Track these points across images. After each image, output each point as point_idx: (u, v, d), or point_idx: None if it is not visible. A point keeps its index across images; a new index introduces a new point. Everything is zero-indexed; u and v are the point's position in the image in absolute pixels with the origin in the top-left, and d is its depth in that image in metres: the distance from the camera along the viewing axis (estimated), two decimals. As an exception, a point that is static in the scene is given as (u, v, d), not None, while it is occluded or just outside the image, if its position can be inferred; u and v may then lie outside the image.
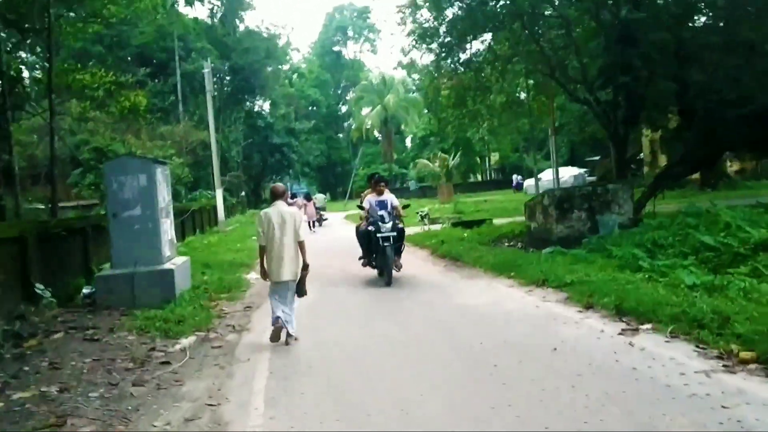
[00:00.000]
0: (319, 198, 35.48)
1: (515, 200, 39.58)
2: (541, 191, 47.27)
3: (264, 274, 8.14)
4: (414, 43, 22.26)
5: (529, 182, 49.78)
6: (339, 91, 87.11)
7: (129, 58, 33.98)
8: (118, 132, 29.68)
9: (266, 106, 72.45)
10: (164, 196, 11.71)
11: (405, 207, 14.20)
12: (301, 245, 8.00)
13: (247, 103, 56.97)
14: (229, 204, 42.82)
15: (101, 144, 26.77)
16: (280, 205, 8.10)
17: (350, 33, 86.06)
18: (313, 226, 32.03)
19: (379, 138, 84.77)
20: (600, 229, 14.82)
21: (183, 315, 9.59)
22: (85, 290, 11.31)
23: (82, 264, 12.94)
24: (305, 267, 8.10)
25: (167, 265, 11.12)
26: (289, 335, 7.91)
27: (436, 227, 23.69)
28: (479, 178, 77.39)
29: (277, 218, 7.93)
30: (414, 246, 19.20)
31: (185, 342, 8.32)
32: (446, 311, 9.33)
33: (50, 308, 10.36)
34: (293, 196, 36.20)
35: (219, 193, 31.44)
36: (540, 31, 19.86)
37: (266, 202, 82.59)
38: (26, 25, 18.73)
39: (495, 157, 76.41)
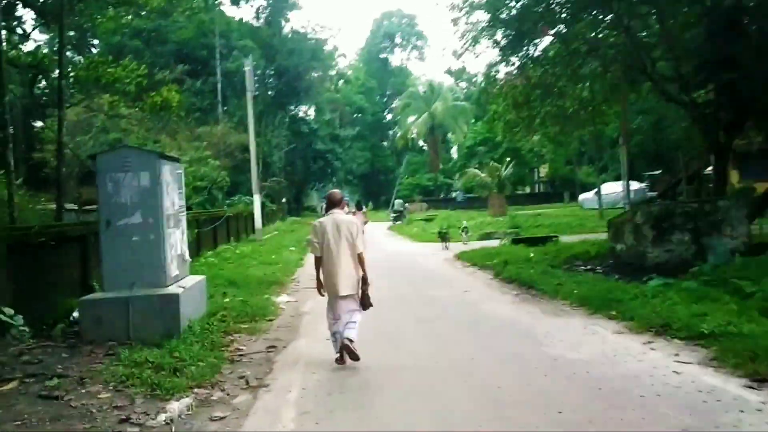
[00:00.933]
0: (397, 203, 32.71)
1: (573, 215, 36.53)
2: (593, 205, 44.24)
3: (320, 288, 7.48)
4: (470, 42, 19.95)
5: (584, 196, 46.56)
6: (385, 99, 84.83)
7: (168, 55, 32.13)
8: (153, 131, 27.74)
9: (311, 111, 70.75)
10: (174, 200, 9.28)
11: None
12: (360, 257, 7.35)
13: (291, 108, 54.97)
14: (269, 210, 40.73)
15: (133, 143, 24.78)
16: (336, 214, 7.44)
17: (398, 40, 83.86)
18: None
19: (424, 147, 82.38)
20: (708, 255, 11.97)
21: (184, 358, 7.14)
22: (75, 314, 8.97)
23: (80, 280, 10.63)
24: (365, 281, 7.39)
25: (172, 288, 8.68)
26: (349, 342, 7.10)
27: (491, 243, 20.99)
28: (527, 190, 74.03)
29: (332, 228, 7.29)
30: (471, 266, 16.55)
31: (175, 407, 5.80)
32: (541, 372, 6.59)
33: (21, 340, 8.03)
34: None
35: (257, 199, 29.22)
36: (627, 22, 17.00)
37: (309, 210, 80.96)
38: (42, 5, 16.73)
39: (544, 169, 73.13)
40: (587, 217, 32.79)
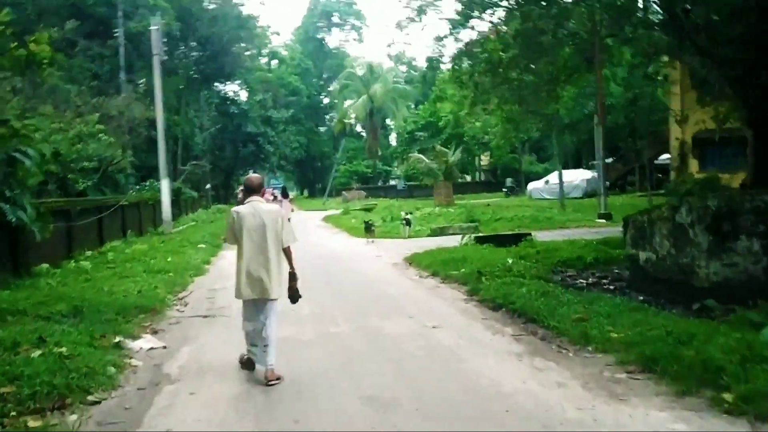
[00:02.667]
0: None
1: (525, 205, 32.80)
2: (543, 195, 40.75)
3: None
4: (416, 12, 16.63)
5: (534, 185, 43.09)
6: (321, 82, 79.70)
7: (56, 9, 26.37)
8: (38, 102, 22.31)
9: (243, 93, 65.15)
10: None
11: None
12: (286, 252, 6.20)
13: (218, 86, 49.44)
14: (188, 198, 35.54)
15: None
16: (256, 202, 6.14)
17: (335, 19, 78.65)
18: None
19: (362, 133, 77.77)
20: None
21: None
22: None
23: None
24: (293, 278, 6.31)
25: None
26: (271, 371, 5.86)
27: (447, 241, 16.80)
28: (467, 178, 70.17)
29: (252, 219, 5.99)
30: (431, 276, 12.22)
31: None
32: None
33: None
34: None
35: (165, 185, 24.17)
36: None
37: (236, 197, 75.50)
38: None
39: (485, 157, 69.79)
40: (543, 207, 29.02)
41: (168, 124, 36.54)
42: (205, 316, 8.98)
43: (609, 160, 46.84)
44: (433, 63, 37.10)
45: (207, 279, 12.99)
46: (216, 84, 50.89)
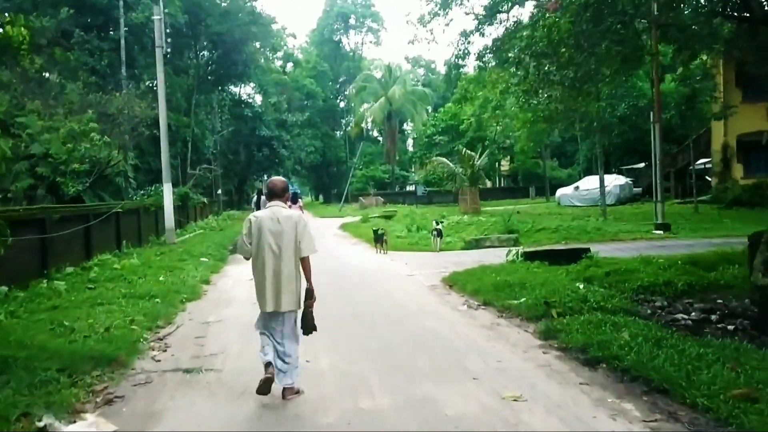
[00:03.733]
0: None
1: (556, 213, 30.12)
2: (573, 201, 38.03)
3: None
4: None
5: (563, 191, 40.35)
6: (337, 85, 77.36)
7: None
8: (28, 97, 20.06)
9: (258, 97, 62.96)
10: None
11: None
12: (304, 263, 5.59)
13: (230, 87, 47.20)
14: (197, 204, 33.19)
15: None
16: (277, 207, 5.60)
17: (352, 21, 76.27)
18: None
19: (379, 138, 75.27)
20: None
21: None
22: None
23: None
24: (309, 295, 5.64)
25: None
26: (287, 389, 5.44)
27: (485, 255, 14.27)
28: (488, 184, 67.18)
29: (272, 225, 5.49)
30: (481, 306, 9.64)
31: None
32: None
33: None
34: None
35: (168, 190, 21.76)
36: None
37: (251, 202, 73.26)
38: None
39: (506, 163, 67.13)
40: (579, 215, 26.34)
41: (176, 126, 34.35)
42: (187, 371, 6.47)
43: (641, 165, 44.17)
44: (458, 60, 34.13)
45: (202, 305, 10.50)
46: (229, 86, 48.62)
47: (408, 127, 75.01)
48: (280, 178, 6.06)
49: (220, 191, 44.19)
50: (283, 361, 5.46)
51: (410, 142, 79.38)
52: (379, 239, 17.14)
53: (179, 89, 35.41)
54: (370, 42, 79.29)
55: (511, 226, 18.79)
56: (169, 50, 35.86)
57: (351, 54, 78.00)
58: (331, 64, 74.06)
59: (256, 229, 5.50)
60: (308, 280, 5.65)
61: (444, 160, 35.42)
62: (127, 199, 24.16)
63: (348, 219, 35.85)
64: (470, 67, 34.76)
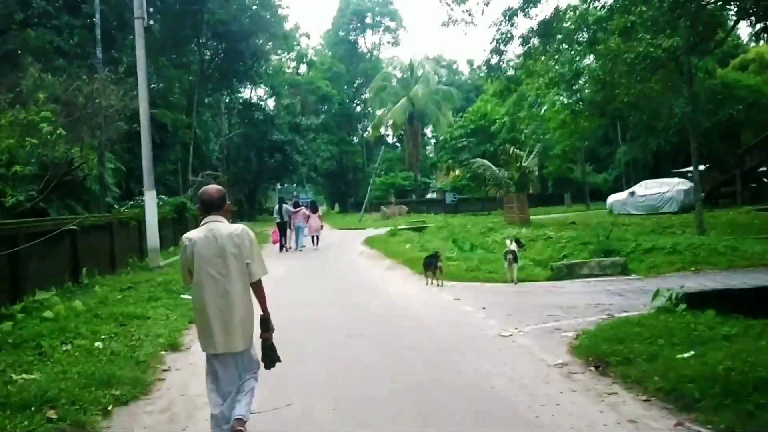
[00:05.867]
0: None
1: (623, 224, 24.99)
2: (627, 209, 32.81)
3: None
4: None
5: (615, 198, 35.07)
6: (353, 88, 72.37)
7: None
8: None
9: (270, 102, 58.25)
10: None
11: None
12: (256, 288, 4.52)
13: (238, 86, 42.48)
14: (193, 214, 28.33)
15: None
16: (214, 223, 4.43)
17: (368, 20, 71.30)
18: (316, 243, 23.54)
19: (398, 143, 70.23)
20: None
21: None
22: None
23: None
24: (265, 325, 4.52)
25: None
26: (238, 419, 4.35)
27: (587, 286, 9.32)
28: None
29: (209, 247, 4.35)
30: (670, 414, 4.44)
31: None
32: None
33: None
34: (296, 204, 24.28)
35: (150, 199, 16.93)
36: None
37: (267, 212, 68.66)
38: None
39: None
40: (659, 226, 21.14)
41: (174, 126, 29.62)
42: None
43: (701, 168, 38.85)
44: (501, 45, 29.48)
45: (157, 401, 5.62)
46: (237, 85, 43.84)
47: (428, 131, 70.02)
48: (215, 186, 4.77)
49: (229, 202, 39.39)
50: (238, 398, 4.43)
51: (429, 147, 74.29)
52: (431, 264, 12.15)
53: (178, 84, 30.66)
54: (388, 42, 74.14)
55: (607, 244, 13.68)
56: (166, 41, 31.18)
57: (367, 55, 73.03)
58: (347, 66, 69.16)
59: (190, 252, 4.35)
60: (263, 307, 4.53)
61: (485, 161, 30.26)
62: (107, 211, 19.40)
63: (371, 231, 30.82)
64: (512, 53, 29.80)
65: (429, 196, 65.60)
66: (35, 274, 11.28)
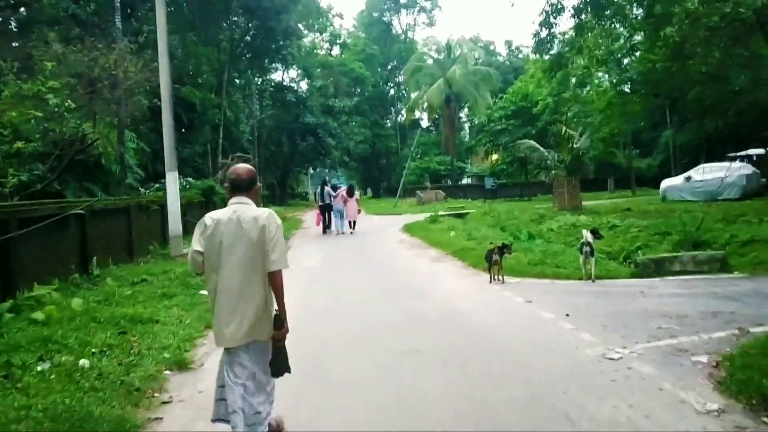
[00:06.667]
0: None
1: (684, 210, 22.73)
2: (683, 195, 30.35)
3: None
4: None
5: (669, 182, 32.59)
6: (387, 71, 70.14)
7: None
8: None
9: (303, 85, 56.52)
10: None
11: None
12: (273, 278, 3.96)
13: (269, 66, 40.75)
14: (222, 199, 26.82)
15: None
16: (241, 205, 4.01)
17: (403, 0, 68.82)
18: (353, 227, 22.83)
19: (432, 127, 67.89)
20: None
21: None
22: None
23: None
24: (279, 323, 3.99)
25: None
26: None
27: (704, 295, 7.42)
28: (541, 178, 57.79)
29: (232, 230, 3.94)
30: None
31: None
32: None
33: None
34: (334, 187, 23.88)
35: (171, 181, 15.31)
36: None
37: (300, 197, 67.08)
38: None
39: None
40: (731, 214, 18.74)
41: (203, 107, 28.04)
42: None
43: (761, 151, 36.07)
44: (551, 17, 27.15)
45: None
46: (268, 65, 42.10)
47: (462, 115, 67.57)
48: (246, 165, 4.30)
49: (259, 184, 37.87)
50: (250, 404, 3.95)
51: (464, 131, 71.84)
52: (495, 257, 10.24)
53: (206, 63, 29.04)
54: (423, 23, 72.13)
55: (696, 236, 11.57)
56: (195, 17, 29.58)
57: (402, 36, 70.72)
58: (381, 48, 66.95)
59: (210, 235, 3.94)
60: (279, 303, 4.01)
61: (533, 143, 28.04)
62: (127, 194, 17.89)
63: (408, 217, 28.94)
64: (563, 25, 27.49)
65: (464, 181, 63.43)
66: (34, 265, 9.68)
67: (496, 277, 10.42)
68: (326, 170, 68.03)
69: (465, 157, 66.18)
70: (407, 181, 49.90)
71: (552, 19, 25.23)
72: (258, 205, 4.10)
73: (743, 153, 36.99)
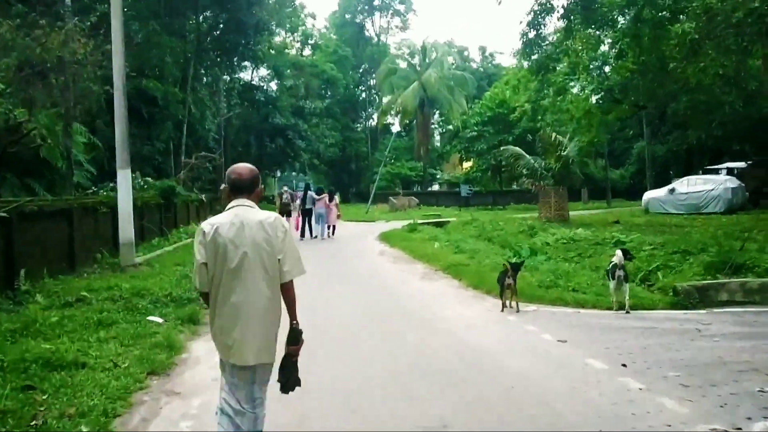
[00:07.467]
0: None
1: (676, 224, 21.51)
2: (666, 207, 29.05)
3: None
4: None
5: (652, 195, 31.38)
6: (359, 74, 68.21)
7: None
8: None
9: (272, 85, 54.29)
10: None
11: None
12: (286, 291, 3.60)
13: (238, 63, 38.62)
14: (192, 201, 24.75)
15: None
16: (243, 207, 3.61)
17: (377, 1, 66.98)
18: (332, 232, 21.97)
19: (402, 132, 66.09)
20: None
21: None
22: None
23: None
24: (295, 338, 3.64)
25: None
26: None
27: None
28: (514, 186, 55.39)
29: (236, 236, 3.50)
30: None
31: None
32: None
33: None
34: (319, 191, 22.51)
35: (124, 179, 13.20)
36: None
37: (267, 200, 65.17)
38: None
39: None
40: (728, 230, 17.35)
41: (165, 101, 25.85)
42: None
43: (742, 165, 35.18)
44: (539, 17, 25.81)
45: None
46: (239, 64, 39.96)
47: (434, 120, 65.99)
48: (247, 164, 3.90)
49: (224, 186, 35.54)
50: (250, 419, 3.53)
51: (435, 137, 70.28)
52: (509, 280, 8.48)
53: (171, 55, 26.85)
54: (396, 27, 70.09)
55: (736, 258, 9.90)
56: (160, 5, 27.40)
57: (375, 40, 68.93)
58: (353, 50, 65.03)
59: (212, 243, 3.46)
60: (292, 315, 3.65)
61: (517, 149, 26.44)
62: (73, 193, 15.68)
63: (382, 225, 27.19)
64: (551, 27, 26.62)
65: (435, 187, 61.84)
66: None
67: (510, 303, 8.66)
68: (295, 174, 65.87)
69: (436, 163, 64.71)
70: (377, 186, 48.11)
71: (540, 20, 23.91)
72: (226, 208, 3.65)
73: (722, 166, 36.16)
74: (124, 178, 13.20)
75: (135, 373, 5.75)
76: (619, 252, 8.55)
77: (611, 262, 8.58)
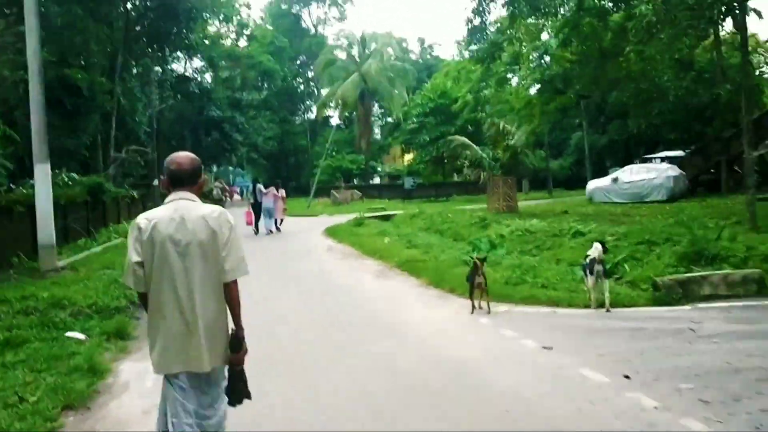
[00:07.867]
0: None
1: (626, 214, 21.41)
2: (610, 197, 29.03)
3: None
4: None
5: (596, 184, 31.40)
6: (296, 65, 66.58)
7: None
8: None
9: (207, 77, 52.25)
10: None
11: None
12: (229, 290, 3.24)
13: (170, 52, 36.72)
14: (122, 196, 23.14)
15: None
16: (184, 202, 3.23)
17: (314, -8, 65.49)
18: (279, 225, 21.33)
19: (342, 125, 64.94)
20: None
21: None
22: None
23: None
24: (236, 344, 3.25)
25: None
26: None
27: None
28: (455, 178, 54.87)
29: (175, 232, 3.15)
30: None
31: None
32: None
33: None
34: (266, 185, 21.90)
35: (42, 174, 11.80)
36: None
37: (204, 196, 63.33)
38: None
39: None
40: (657, 217, 17.11)
41: (92, 91, 24.08)
42: None
43: (680, 153, 35.66)
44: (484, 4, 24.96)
45: None
46: (171, 54, 37.99)
47: (375, 113, 65.13)
48: (188, 153, 3.43)
49: (157, 182, 33.73)
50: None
51: (376, 130, 69.45)
52: (479, 278, 7.71)
53: (97, 42, 25.03)
54: (334, 18, 68.79)
55: (713, 248, 9.34)
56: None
57: (312, 31, 67.39)
58: (291, 42, 63.36)
59: (149, 242, 3.11)
60: (236, 320, 3.25)
61: (464, 139, 25.86)
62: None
63: (326, 219, 26.25)
64: (495, 14, 26.30)
65: (376, 180, 61.03)
66: None
67: (480, 304, 7.88)
68: (232, 168, 63.93)
69: (377, 156, 63.88)
70: (321, 180, 46.90)
71: (485, 5, 23.41)
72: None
73: (660, 155, 36.64)
74: (43, 173, 11.80)
75: (46, 409, 4.64)
76: (597, 245, 7.89)
77: (587, 256, 7.92)
